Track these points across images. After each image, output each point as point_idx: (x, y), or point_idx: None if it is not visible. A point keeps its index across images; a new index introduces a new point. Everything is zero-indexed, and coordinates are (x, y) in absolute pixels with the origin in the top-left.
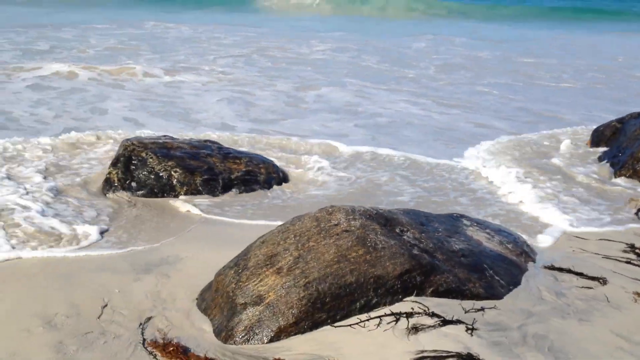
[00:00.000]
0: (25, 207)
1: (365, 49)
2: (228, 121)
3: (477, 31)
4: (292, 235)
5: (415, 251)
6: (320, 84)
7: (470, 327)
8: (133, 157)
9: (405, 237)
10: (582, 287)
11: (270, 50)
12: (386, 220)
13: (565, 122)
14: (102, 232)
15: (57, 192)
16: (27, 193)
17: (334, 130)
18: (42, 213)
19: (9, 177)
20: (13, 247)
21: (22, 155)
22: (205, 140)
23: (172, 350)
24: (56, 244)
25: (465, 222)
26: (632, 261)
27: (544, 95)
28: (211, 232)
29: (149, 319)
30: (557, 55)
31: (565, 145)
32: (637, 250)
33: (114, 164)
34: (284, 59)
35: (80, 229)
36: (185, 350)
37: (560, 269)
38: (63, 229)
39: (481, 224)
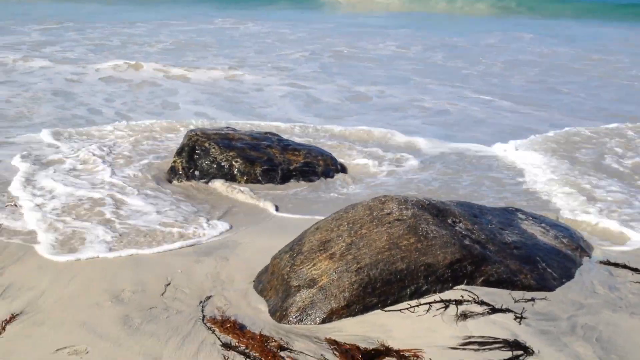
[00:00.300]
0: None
1: (433, 45)
2: (292, 115)
3: (548, 27)
4: (346, 223)
5: (466, 241)
6: (383, 81)
7: (519, 315)
8: (197, 147)
9: (457, 227)
10: (637, 282)
11: (335, 47)
12: (438, 211)
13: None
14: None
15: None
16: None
17: (401, 127)
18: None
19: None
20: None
21: (109, 141)
22: (266, 133)
23: (230, 326)
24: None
25: (520, 215)
26: None
27: (620, 95)
28: (269, 219)
29: (209, 297)
30: (628, 53)
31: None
32: None
33: (179, 153)
34: (349, 56)
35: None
36: (241, 327)
37: (616, 264)
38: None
39: (536, 218)
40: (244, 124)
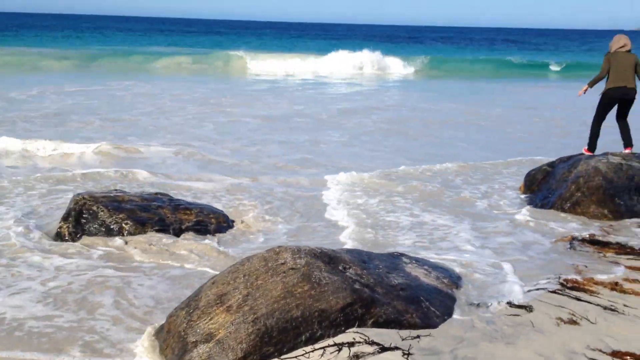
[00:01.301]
0: None
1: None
2: (188, 174)
3: (445, 86)
4: (242, 275)
5: (356, 286)
6: (276, 139)
7: (406, 352)
8: (84, 211)
9: (347, 273)
10: (511, 315)
11: (230, 107)
12: (330, 259)
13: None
14: None
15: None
16: None
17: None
18: None
19: None
20: None
21: None
22: (156, 193)
23: None
24: None
25: (405, 259)
26: (557, 291)
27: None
28: (162, 276)
29: None
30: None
31: (500, 189)
32: (562, 281)
33: (65, 218)
34: (242, 116)
35: None
36: None
37: (491, 299)
38: None
39: (419, 261)
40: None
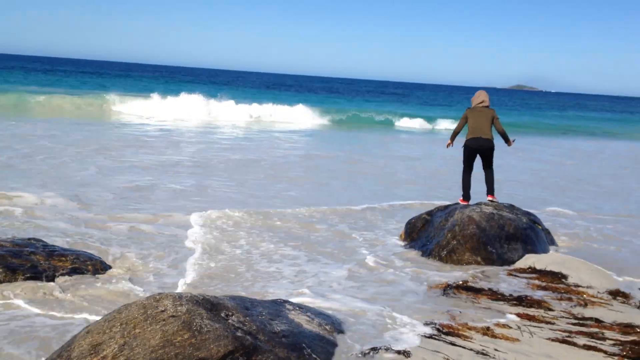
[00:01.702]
0: None
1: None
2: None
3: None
4: (119, 324)
5: (239, 333)
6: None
7: None
8: None
9: (230, 320)
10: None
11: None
12: (212, 305)
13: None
14: None
15: None
16: None
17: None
18: None
19: None
20: None
21: None
22: (30, 239)
23: None
24: None
25: (288, 306)
26: (433, 336)
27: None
28: (32, 326)
29: None
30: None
31: (381, 239)
32: (438, 327)
33: None
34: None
35: None
36: None
37: (370, 346)
38: None
39: (303, 308)
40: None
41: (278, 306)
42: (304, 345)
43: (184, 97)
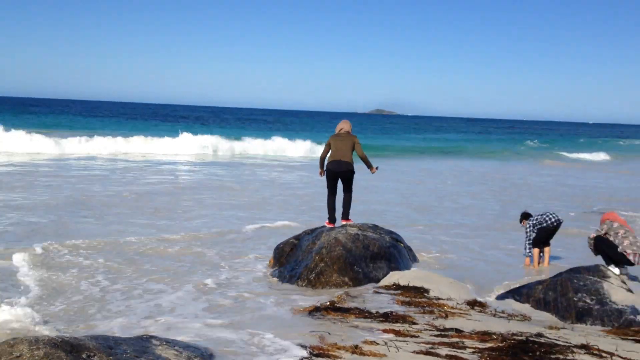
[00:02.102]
0: None
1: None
2: None
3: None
4: None
5: None
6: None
7: None
8: None
9: None
10: None
11: None
12: (72, 347)
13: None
14: None
15: None
16: None
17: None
18: None
19: None
20: None
21: None
22: None
23: None
24: None
25: (154, 342)
26: (304, 358)
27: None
28: None
29: None
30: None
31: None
32: (309, 349)
33: None
34: None
35: None
36: None
37: None
38: None
39: (170, 342)
40: None
41: (144, 342)
42: None
43: None
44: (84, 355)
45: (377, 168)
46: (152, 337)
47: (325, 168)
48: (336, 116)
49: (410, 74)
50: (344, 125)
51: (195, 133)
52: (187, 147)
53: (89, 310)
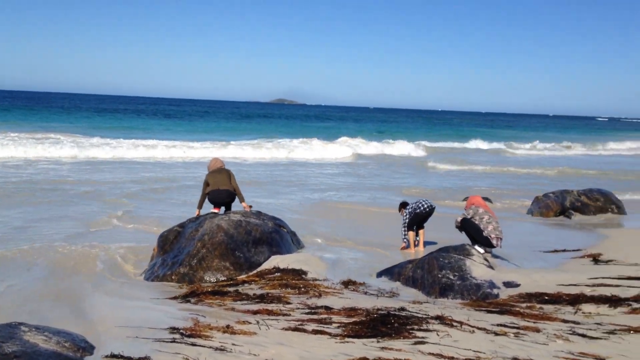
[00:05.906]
0: None
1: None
2: None
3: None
4: None
5: None
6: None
7: None
8: None
9: None
10: None
11: None
12: None
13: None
14: None
15: None
16: None
17: None
18: None
19: None
20: None
21: None
22: None
23: None
24: None
25: (23, 328)
26: (175, 340)
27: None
28: None
29: None
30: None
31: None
32: (181, 331)
33: None
34: None
35: None
36: None
37: (112, 354)
38: None
39: (40, 329)
40: None
41: (12, 329)
42: None
43: None
44: None
45: (250, 207)
46: (21, 324)
47: (208, 198)
48: (239, 105)
49: (315, 65)
50: (217, 163)
51: None
52: None
53: None
